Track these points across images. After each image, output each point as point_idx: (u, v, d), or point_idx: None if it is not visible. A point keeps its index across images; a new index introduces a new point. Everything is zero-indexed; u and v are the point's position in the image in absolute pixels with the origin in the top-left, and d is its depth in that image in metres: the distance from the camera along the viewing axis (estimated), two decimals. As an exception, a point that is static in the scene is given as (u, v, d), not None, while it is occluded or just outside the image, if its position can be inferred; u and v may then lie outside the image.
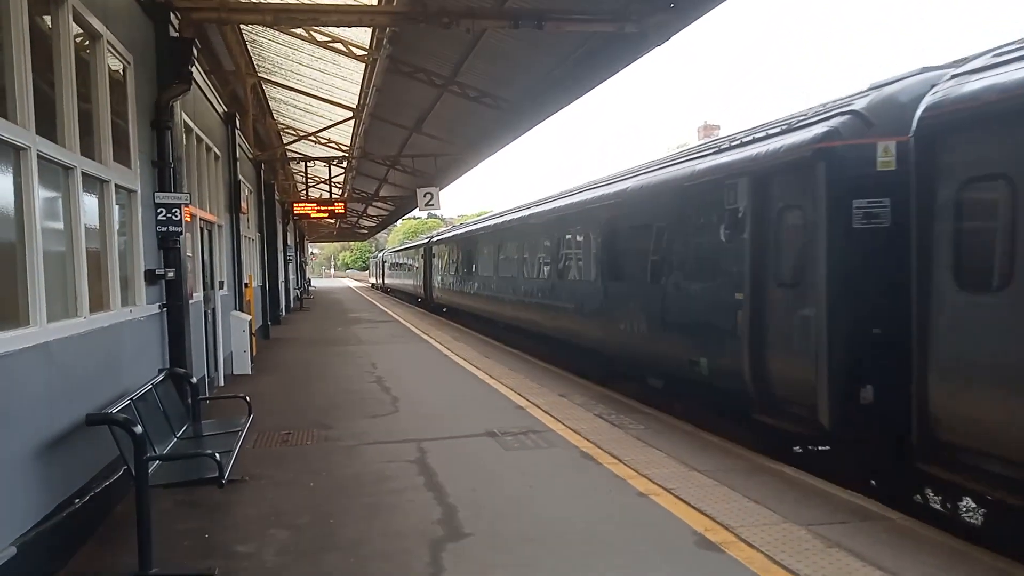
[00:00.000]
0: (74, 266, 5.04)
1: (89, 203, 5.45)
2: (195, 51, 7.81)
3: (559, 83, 13.04)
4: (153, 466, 4.64)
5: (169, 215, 7.18)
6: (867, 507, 5.27)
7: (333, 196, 25.66)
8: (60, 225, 4.97)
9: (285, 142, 23.45)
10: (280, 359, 14.28)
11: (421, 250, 34.15)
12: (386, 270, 54.88)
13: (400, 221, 74.38)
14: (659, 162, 10.51)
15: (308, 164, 23.07)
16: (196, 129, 9.89)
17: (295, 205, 22.45)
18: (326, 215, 22.69)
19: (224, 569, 4.40)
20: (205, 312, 10.06)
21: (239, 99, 16.43)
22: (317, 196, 28.79)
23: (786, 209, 6.92)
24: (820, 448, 6.99)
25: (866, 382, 6.04)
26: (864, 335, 6.06)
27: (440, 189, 21.30)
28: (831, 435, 6.33)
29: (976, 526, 5.79)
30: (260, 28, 13.96)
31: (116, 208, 6.00)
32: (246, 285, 14.30)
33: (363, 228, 59.80)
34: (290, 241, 30.12)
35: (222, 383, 11.00)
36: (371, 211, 45.31)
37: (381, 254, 64.92)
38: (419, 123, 19.05)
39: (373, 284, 66.46)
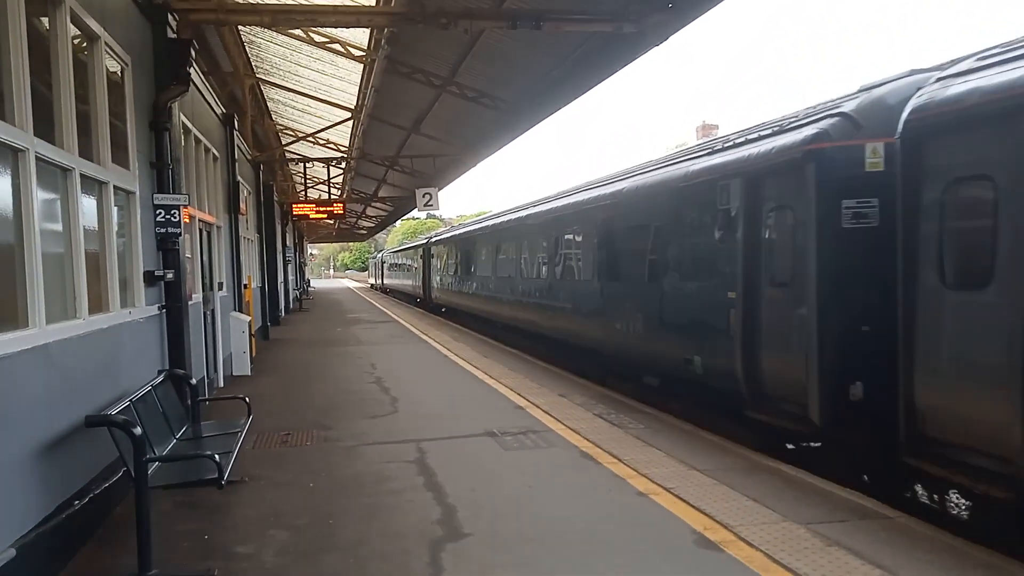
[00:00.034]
0: (73, 268, 5.04)
1: (88, 205, 5.45)
2: (193, 52, 7.81)
3: (557, 83, 13.04)
4: (152, 467, 4.64)
5: (168, 216, 7.18)
6: (866, 505, 5.28)
7: (332, 197, 25.67)
8: (59, 227, 4.97)
9: (284, 143, 23.44)
10: (279, 360, 14.28)
11: (420, 250, 34.17)
12: (385, 271, 54.92)
13: (399, 222, 74.39)
14: (654, 163, 10.59)
15: (307, 165, 23.08)
16: (194, 130, 9.88)
17: (294, 206, 22.46)
18: (325, 216, 22.71)
19: (224, 570, 4.40)
20: (204, 313, 10.06)
21: (237, 100, 16.42)
22: (316, 197, 28.81)
23: (777, 209, 7.04)
24: (812, 445, 7.06)
25: (855, 379, 6.14)
26: (853, 333, 6.17)
27: (439, 189, 21.28)
28: (821, 431, 6.43)
29: (965, 520, 5.83)
30: (258, 29, 13.95)
31: (115, 209, 6.00)
32: (245, 286, 14.30)
33: (362, 229, 59.79)
34: (289, 242, 30.11)
35: (221, 384, 11.00)
36: (370, 212, 45.32)
37: (380, 255, 64.96)
38: (417, 124, 19.05)
39: (372, 285, 66.47)
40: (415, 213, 71.52)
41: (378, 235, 79.83)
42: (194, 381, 6.69)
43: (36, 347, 4.26)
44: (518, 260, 16.76)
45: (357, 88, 16.53)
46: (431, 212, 64.34)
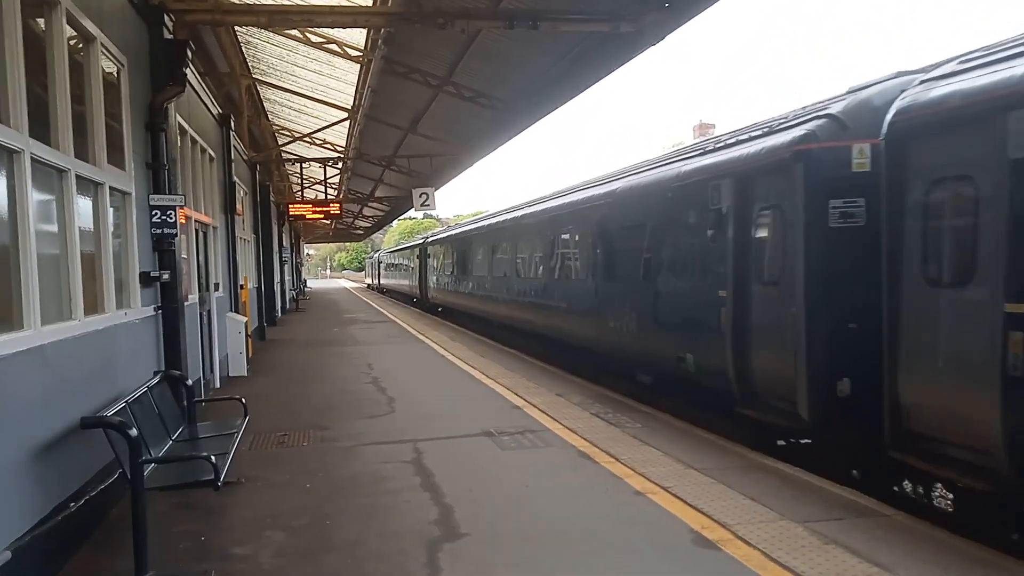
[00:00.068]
0: (68, 269, 5.03)
1: (83, 206, 5.44)
2: (189, 53, 7.79)
3: (554, 82, 13.04)
4: (149, 469, 4.63)
5: (164, 217, 7.17)
6: (862, 503, 5.29)
7: (328, 197, 25.62)
8: (54, 228, 4.96)
9: (280, 143, 23.42)
10: (276, 360, 14.26)
11: (416, 250, 34.18)
12: (382, 271, 54.92)
13: (396, 222, 74.36)
14: (648, 163, 10.70)
15: (303, 165, 23.10)
16: (191, 131, 9.87)
17: (290, 206, 22.43)
18: (321, 216, 22.68)
19: (221, 572, 4.39)
20: (200, 314, 10.04)
21: (234, 100, 16.40)
22: (312, 197, 28.77)
23: (766, 209, 7.16)
24: (802, 441, 7.14)
25: (843, 376, 6.25)
26: (841, 330, 6.29)
27: (436, 189, 21.29)
28: (810, 427, 6.53)
29: (950, 513, 5.89)
30: (254, 29, 13.92)
31: (110, 210, 5.99)
32: (241, 287, 14.28)
33: (359, 229, 59.73)
34: (286, 242, 30.06)
35: (218, 385, 10.98)
36: (367, 212, 45.27)
37: (377, 255, 64.94)
38: (414, 123, 19.04)
39: (369, 285, 66.44)
40: (412, 213, 71.37)
41: (375, 235, 79.76)
42: (190, 382, 6.68)
43: (31, 348, 4.25)
44: (513, 260, 16.82)
45: (354, 88, 16.52)
46: (428, 212, 64.29)
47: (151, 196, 7.13)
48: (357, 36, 13.72)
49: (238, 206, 14.22)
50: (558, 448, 7.00)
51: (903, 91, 5.64)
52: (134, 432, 4.32)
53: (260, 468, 6.54)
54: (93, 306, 5.54)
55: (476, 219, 26.10)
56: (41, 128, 4.67)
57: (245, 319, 12.91)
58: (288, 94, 19.14)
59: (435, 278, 29.31)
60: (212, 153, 11.87)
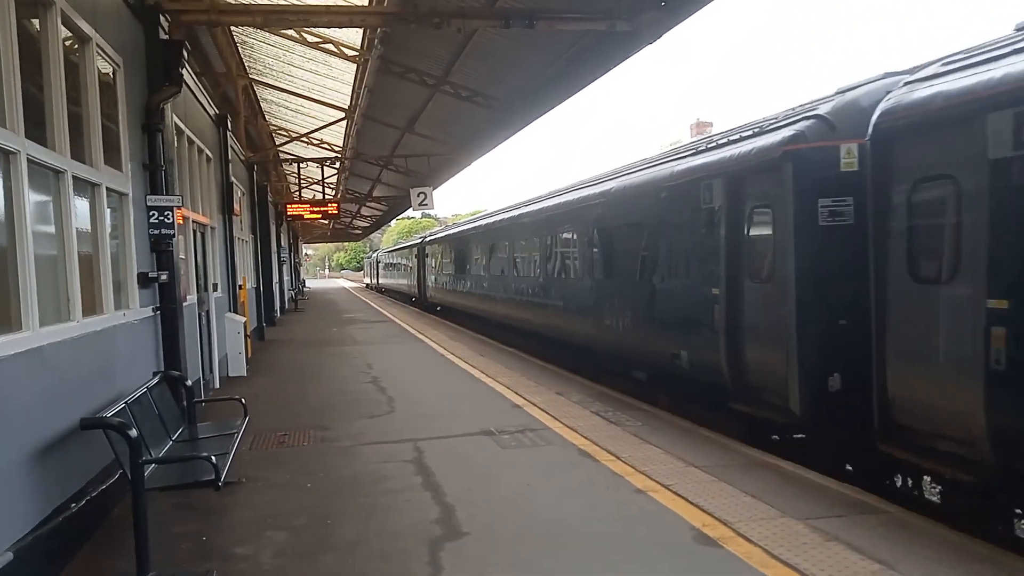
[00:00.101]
0: (66, 270, 5.02)
1: (80, 207, 5.43)
2: (185, 53, 7.78)
3: (551, 82, 13.03)
4: (149, 469, 4.63)
5: (161, 218, 7.15)
6: (863, 500, 5.30)
7: (326, 197, 25.61)
8: (51, 229, 4.95)
9: (277, 143, 23.40)
10: (275, 360, 14.25)
11: (415, 250, 34.19)
12: (380, 270, 54.90)
13: (394, 221, 74.30)
14: (643, 163, 10.78)
15: (301, 165, 23.05)
16: (187, 131, 9.85)
17: (288, 206, 22.43)
18: (319, 216, 22.69)
19: (222, 572, 4.38)
20: (199, 314, 10.03)
21: (230, 101, 16.39)
22: (310, 197, 28.76)
23: (757, 208, 7.25)
24: (796, 436, 7.20)
25: (834, 371, 6.38)
26: (831, 326, 6.41)
27: (433, 189, 21.30)
28: (802, 422, 6.61)
29: (938, 504, 5.94)
30: (251, 29, 13.91)
31: (108, 211, 5.97)
32: (240, 287, 14.26)
33: (357, 229, 59.65)
34: (284, 242, 30.05)
35: (217, 385, 10.96)
36: (365, 211, 45.22)
37: (375, 254, 64.93)
38: (411, 123, 19.02)
39: (368, 284, 66.40)
40: (410, 212, 71.35)
41: (373, 235, 79.70)
42: (189, 382, 6.67)
43: (30, 350, 4.24)
44: (511, 259, 16.87)
45: (351, 88, 16.51)
46: (426, 211, 64.22)
47: (148, 197, 7.11)
48: (353, 36, 13.71)
49: (236, 206, 14.19)
50: (559, 447, 7.00)
51: (889, 92, 5.73)
52: (134, 433, 4.31)
53: (260, 468, 6.53)
54: (91, 307, 5.53)
55: (474, 218, 26.12)
56: (37, 129, 4.66)
57: (244, 319, 12.89)
58: (285, 94, 19.13)
59: (433, 277, 29.33)
60: (209, 153, 11.85)
